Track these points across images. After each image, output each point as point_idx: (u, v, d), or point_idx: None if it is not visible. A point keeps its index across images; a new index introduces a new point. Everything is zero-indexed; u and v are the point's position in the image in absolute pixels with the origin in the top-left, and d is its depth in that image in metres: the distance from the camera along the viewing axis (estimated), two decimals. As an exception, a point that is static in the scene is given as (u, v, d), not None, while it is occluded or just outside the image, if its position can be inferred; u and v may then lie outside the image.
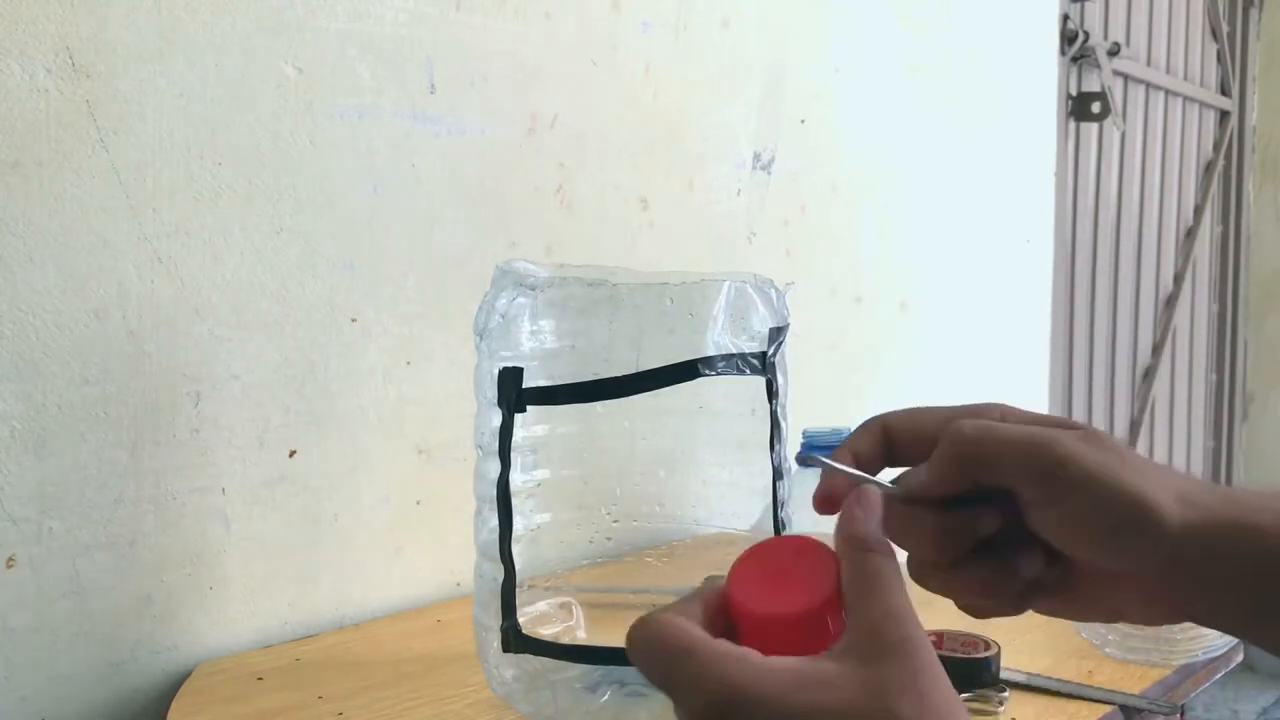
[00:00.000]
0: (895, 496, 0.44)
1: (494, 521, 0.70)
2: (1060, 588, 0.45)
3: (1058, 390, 2.24)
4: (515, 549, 0.70)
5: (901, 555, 0.44)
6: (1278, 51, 3.19)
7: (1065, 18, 2.16)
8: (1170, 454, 2.86)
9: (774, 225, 1.40)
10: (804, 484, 0.94)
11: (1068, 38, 2.19)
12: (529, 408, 0.69)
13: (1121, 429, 2.64)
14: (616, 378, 0.68)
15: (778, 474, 0.73)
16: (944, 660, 0.38)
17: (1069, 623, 0.94)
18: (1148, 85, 2.63)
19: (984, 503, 0.43)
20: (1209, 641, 0.90)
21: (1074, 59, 2.25)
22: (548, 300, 0.72)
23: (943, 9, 1.70)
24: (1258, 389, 3.24)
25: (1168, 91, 2.73)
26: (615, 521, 0.78)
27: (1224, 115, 3.03)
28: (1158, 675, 0.86)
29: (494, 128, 1.07)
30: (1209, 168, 2.98)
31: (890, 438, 0.46)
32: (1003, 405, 0.45)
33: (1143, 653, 0.89)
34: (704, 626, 0.39)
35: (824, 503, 0.45)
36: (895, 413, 0.47)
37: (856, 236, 1.55)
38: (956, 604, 0.46)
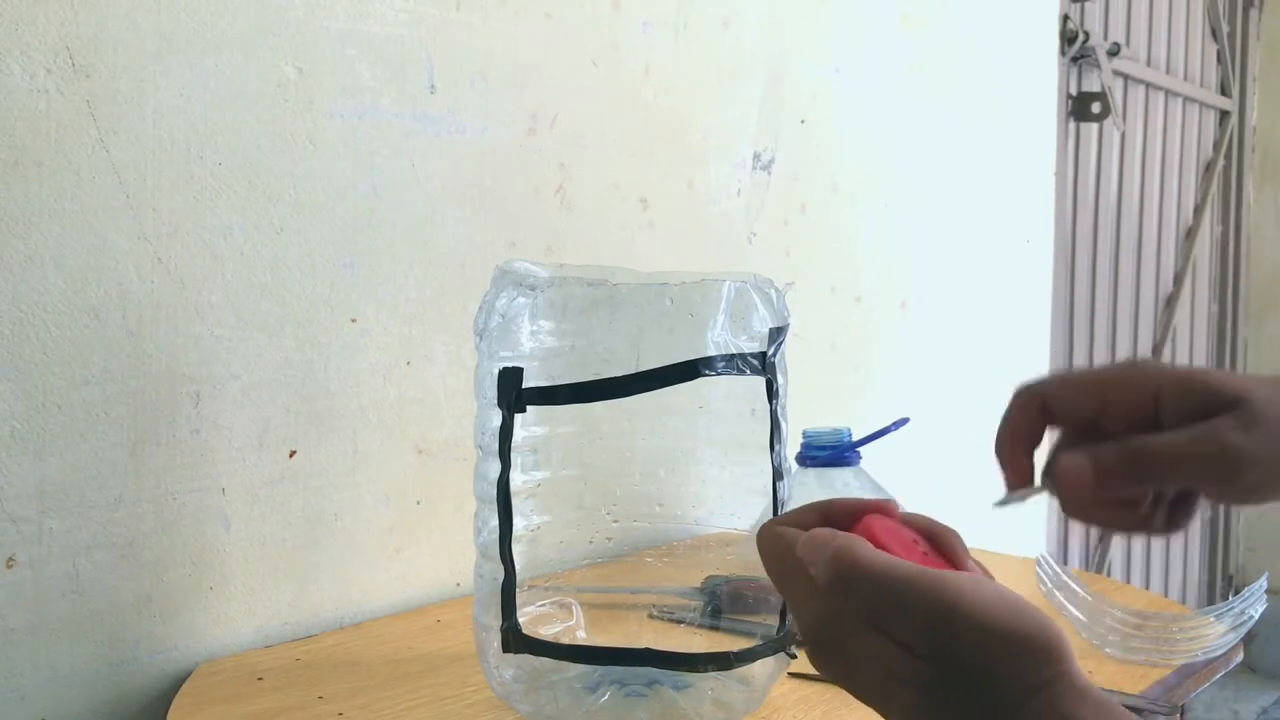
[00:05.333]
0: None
1: (494, 521, 0.70)
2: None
3: (1058, 390, 2.23)
4: (515, 549, 0.70)
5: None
6: (1278, 51, 3.19)
7: (1065, 18, 2.16)
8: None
9: (774, 225, 1.40)
10: (803, 484, 0.95)
11: (1068, 38, 2.19)
12: (529, 408, 0.69)
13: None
14: (616, 378, 0.68)
15: (778, 474, 0.72)
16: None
17: (1068, 623, 0.94)
18: (1148, 85, 2.63)
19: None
20: (1209, 641, 0.90)
21: (1074, 59, 2.25)
22: (548, 300, 0.72)
23: (943, 9, 1.70)
24: (1258, 389, 3.24)
25: (1168, 91, 2.73)
26: (615, 521, 0.78)
27: (1224, 115, 3.03)
28: (1158, 675, 0.86)
29: (494, 128, 1.07)
30: (1209, 168, 2.98)
31: (1048, 408, 0.50)
32: (1145, 365, 0.49)
33: (1143, 653, 0.89)
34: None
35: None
36: (1046, 383, 0.50)
37: (856, 236, 1.55)
38: (1107, 528, 0.52)
